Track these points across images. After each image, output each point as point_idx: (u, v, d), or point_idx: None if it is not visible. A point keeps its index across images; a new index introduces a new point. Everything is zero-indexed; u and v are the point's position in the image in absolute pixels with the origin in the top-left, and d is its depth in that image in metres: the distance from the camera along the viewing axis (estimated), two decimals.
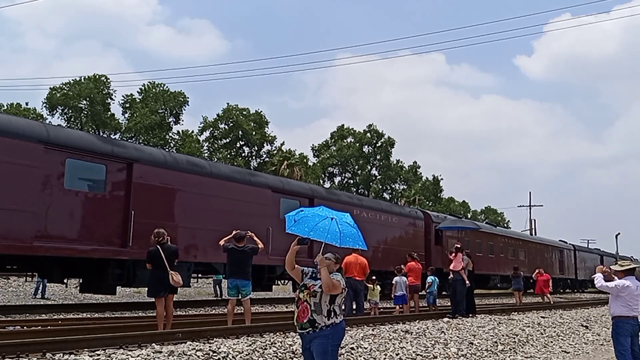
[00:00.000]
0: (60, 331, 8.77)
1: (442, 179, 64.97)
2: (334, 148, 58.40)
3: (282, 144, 53.27)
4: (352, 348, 8.31)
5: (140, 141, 43.29)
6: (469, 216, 68.77)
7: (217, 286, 23.11)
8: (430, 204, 59.64)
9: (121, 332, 8.34)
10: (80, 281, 15.57)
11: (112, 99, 47.12)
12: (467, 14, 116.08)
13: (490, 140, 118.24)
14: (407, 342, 9.32)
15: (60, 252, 12.45)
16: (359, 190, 56.48)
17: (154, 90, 47.82)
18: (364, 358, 8.08)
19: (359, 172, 58.97)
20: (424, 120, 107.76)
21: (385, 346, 8.81)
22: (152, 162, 14.50)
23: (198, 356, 6.79)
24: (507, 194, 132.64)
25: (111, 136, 41.76)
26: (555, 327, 13.68)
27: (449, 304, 15.28)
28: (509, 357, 9.85)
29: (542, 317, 15.26)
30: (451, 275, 14.36)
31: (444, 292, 21.35)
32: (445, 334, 10.45)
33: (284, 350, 7.62)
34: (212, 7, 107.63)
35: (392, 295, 15.23)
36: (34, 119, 28.63)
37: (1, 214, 11.41)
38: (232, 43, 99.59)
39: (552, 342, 11.98)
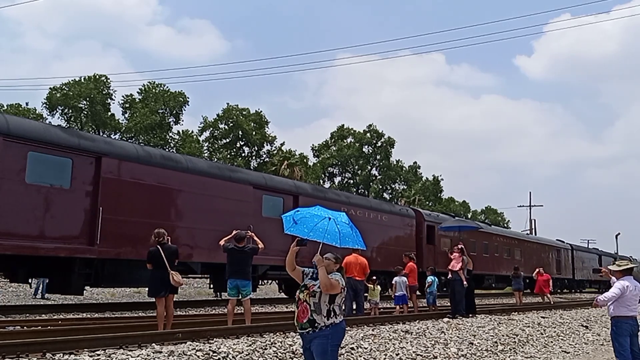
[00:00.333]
0: (60, 331, 8.77)
1: (442, 179, 65.20)
2: (334, 148, 58.48)
3: (282, 144, 53.50)
4: (352, 348, 8.31)
5: (140, 141, 43.28)
6: (469, 216, 68.77)
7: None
8: (430, 204, 59.59)
9: (121, 332, 8.35)
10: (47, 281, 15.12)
11: (112, 99, 47.31)
12: (467, 14, 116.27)
13: (490, 140, 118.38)
14: (407, 342, 9.32)
15: (22, 250, 11.86)
16: (359, 191, 56.50)
17: (154, 90, 47.87)
18: (364, 358, 8.08)
19: (359, 172, 59.02)
20: (424, 120, 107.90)
21: (385, 346, 8.82)
22: (122, 156, 13.83)
23: (198, 356, 6.80)
24: (507, 194, 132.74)
25: (111, 136, 41.75)
26: (555, 327, 13.67)
27: (449, 304, 15.29)
28: (509, 357, 9.85)
29: (542, 317, 15.26)
30: (450, 275, 14.38)
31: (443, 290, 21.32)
32: (445, 334, 10.45)
33: (284, 350, 7.62)
34: (212, 7, 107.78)
35: (392, 296, 15.26)
36: (34, 119, 28.58)
37: None
38: (232, 43, 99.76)
39: (552, 342, 11.97)
